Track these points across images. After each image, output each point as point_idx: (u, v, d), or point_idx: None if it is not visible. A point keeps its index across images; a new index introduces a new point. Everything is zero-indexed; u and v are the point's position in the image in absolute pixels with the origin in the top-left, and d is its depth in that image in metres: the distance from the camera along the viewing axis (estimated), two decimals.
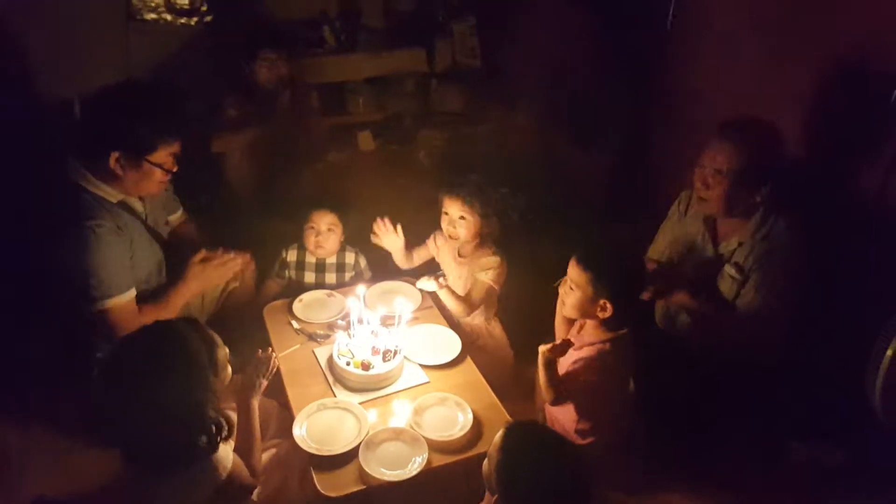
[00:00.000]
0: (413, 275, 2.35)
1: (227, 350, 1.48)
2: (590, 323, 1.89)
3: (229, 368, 1.48)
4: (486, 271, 2.20)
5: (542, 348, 1.77)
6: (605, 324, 1.85)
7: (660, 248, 2.27)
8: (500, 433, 1.42)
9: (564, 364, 1.86)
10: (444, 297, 2.19)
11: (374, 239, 2.31)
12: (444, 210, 2.21)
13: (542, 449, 1.39)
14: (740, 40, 2.47)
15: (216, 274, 2.07)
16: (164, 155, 1.91)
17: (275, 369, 1.70)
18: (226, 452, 1.45)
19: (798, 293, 1.97)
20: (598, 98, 2.96)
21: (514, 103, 3.27)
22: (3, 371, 2.10)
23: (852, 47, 2.06)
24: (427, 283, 2.17)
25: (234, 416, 1.50)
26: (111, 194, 1.92)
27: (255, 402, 1.62)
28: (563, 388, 1.82)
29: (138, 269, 1.96)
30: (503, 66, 3.55)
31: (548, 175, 2.93)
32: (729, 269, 2.04)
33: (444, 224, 2.22)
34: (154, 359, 1.33)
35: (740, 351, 2.05)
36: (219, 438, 1.36)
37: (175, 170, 1.97)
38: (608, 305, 1.80)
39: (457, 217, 2.17)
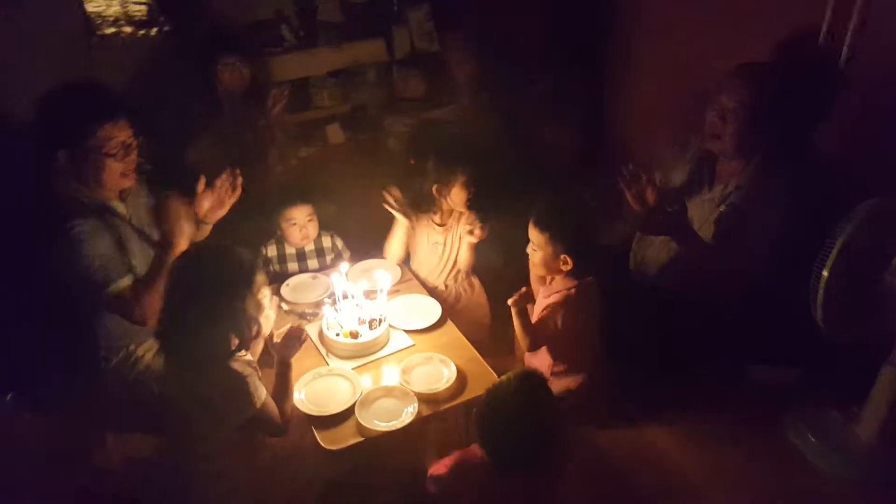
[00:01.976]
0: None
1: (265, 276, 1.77)
2: (558, 276, 2.06)
3: (264, 290, 1.74)
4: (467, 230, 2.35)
5: (510, 301, 1.96)
6: (571, 274, 2.02)
7: None
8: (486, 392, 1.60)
9: (536, 312, 2.03)
10: (465, 249, 2.34)
11: (385, 204, 2.39)
12: (457, 187, 2.30)
13: (513, 406, 1.55)
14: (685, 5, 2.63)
15: (221, 195, 2.22)
16: (107, 142, 1.95)
17: (306, 338, 1.91)
18: (259, 385, 1.69)
19: (782, 240, 2.12)
20: (552, 74, 3.10)
21: (473, 85, 3.39)
22: (29, 371, 2.22)
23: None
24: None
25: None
26: (93, 198, 2.02)
27: (291, 360, 1.84)
28: (537, 335, 1.99)
29: (132, 265, 2.05)
30: (461, 48, 3.67)
31: (510, 149, 3.08)
32: (722, 209, 2.17)
33: (455, 200, 2.32)
34: (214, 271, 1.65)
35: (709, 287, 2.22)
36: (247, 341, 1.69)
37: (127, 161, 2.01)
38: (568, 259, 1.98)
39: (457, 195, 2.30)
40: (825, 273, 1.89)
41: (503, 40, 3.24)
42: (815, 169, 2.21)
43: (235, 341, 1.66)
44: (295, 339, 1.85)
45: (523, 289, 1.99)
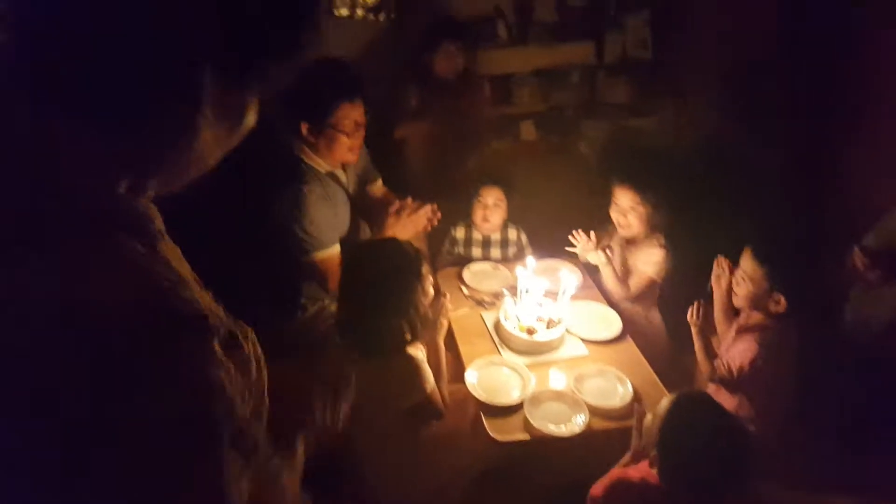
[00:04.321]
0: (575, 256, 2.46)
1: (429, 266, 1.81)
2: (759, 312, 1.89)
3: (430, 279, 1.78)
4: (650, 264, 2.25)
5: (690, 318, 1.94)
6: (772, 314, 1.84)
7: (881, 240, 2.13)
8: (669, 397, 1.48)
9: (724, 346, 1.88)
10: (607, 274, 2.26)
11: (573, 250, 2.36)
12: (614, 200, 2.27)
13: (709, 420, 1.44)
14: None
15: (409, 222, 2.22)
16: (343, 120, 2.10)
17: (447, 313, 1.90)
18: (428, 370, 1.71)
19: None
20: (778, 95, 2.84)
21: (685, 97, 3.22)
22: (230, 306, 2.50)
23: None
24: (594, 256, 2.27)
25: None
26: (322, 165, 2.21)
27: (440, 340, 1.85)
28: (720, 368, 1.86)
29: (341, 230, 2.23)
30: (675, 58, 3.51)
31: (718, 168, 2.88)
32: None
33: (613, 213, 2.28)
34: (386, 265, 1.70)
35: None
36: (418, 331, 1.71)
37: (356, 138, 2.15)
38: (782, 300, 1.80)
39: (627, 207, 2.23)
40: None
41: (727, 56, 3.03)
42: None
43: (408, 332, 1.70)
44: (439, 313, 1.84)
45: (697, 304, 1.93)
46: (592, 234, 2.31)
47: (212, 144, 0.64)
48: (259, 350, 0.69)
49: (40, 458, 0.52)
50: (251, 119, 0.66)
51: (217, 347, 0.58)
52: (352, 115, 2.12)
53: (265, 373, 0.69)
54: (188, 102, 0.58)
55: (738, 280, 1.87)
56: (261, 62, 0.62)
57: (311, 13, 0.65)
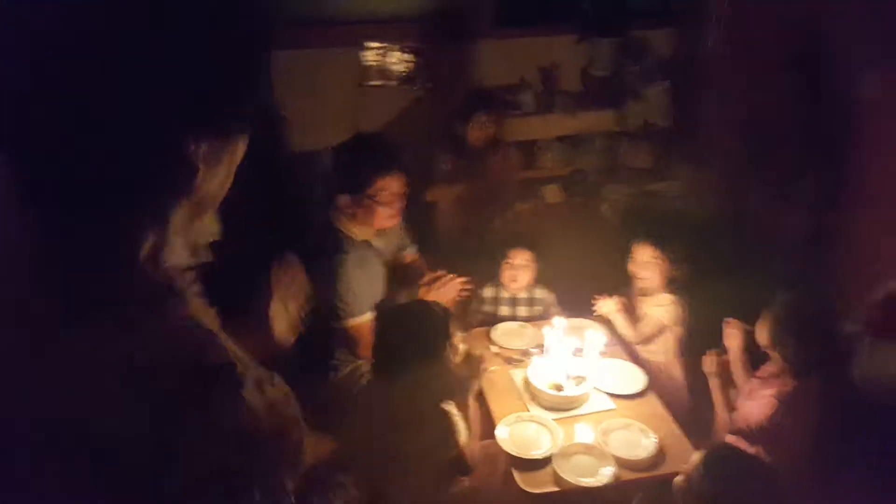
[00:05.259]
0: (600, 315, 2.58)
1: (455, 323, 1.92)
2: (777, 367, 1.98)
3: (459, 335, 1.90)
4: (658, 307, 2.36)
5: (707, 368, 2.06)
6: (792, 371, 1.93)
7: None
8: (701, 454, 1.57)
9: (744, 403, 1.97)
10: (619, 321, 2.41)
11: (595, 308, 2.50)
12: (632, 255, 2.40)
13: (746, 472, 1.53)
14: None
15: (440, 294, 2.29)
16: (381, 192, 2.22)
17: (484, 373, 2.00)
18: (461, 424, 1.80)
19: None
20: (796, 162, 2.98)
21: (705, 161, 3.38)
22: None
23: None
24: (606, 304, 2.42)
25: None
26: (358, 234, 2.34)
27: (471, 400, 1.95)
28: (737, 421, 1.94)
29: (374, 298, 2.32)
30: (695, 125, 3.69)
31: (738, 230, 3.00)
32: None
33: (631, 267, 2.41)
34: (414, 326, 1.83)
35: None
36: (449, 390, 1.81)
37: (395, 207, 2.28)
38: (773, 351, 1.93)
39: (644, 261, 2.36)
40: None
41: (747, 125, 3.19)
42: None
43: (443, 389, 1.79)
44: (473, 374, 1.96)
45: (714, 353, 2.05)
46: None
47: (216, 184, 0.73)
48: (286, 388, 0.77)
49: (80, 485, 0.62)
50: (241, 150, 0.75)
51: (245, 393, 0.68)
52: (390, 187, 2.24)
53: (295, 408, 0.77)
54: (185, 173, 0.69)
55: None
56: (229, 112, 0.71)
57: (260, 56, 0.75)
